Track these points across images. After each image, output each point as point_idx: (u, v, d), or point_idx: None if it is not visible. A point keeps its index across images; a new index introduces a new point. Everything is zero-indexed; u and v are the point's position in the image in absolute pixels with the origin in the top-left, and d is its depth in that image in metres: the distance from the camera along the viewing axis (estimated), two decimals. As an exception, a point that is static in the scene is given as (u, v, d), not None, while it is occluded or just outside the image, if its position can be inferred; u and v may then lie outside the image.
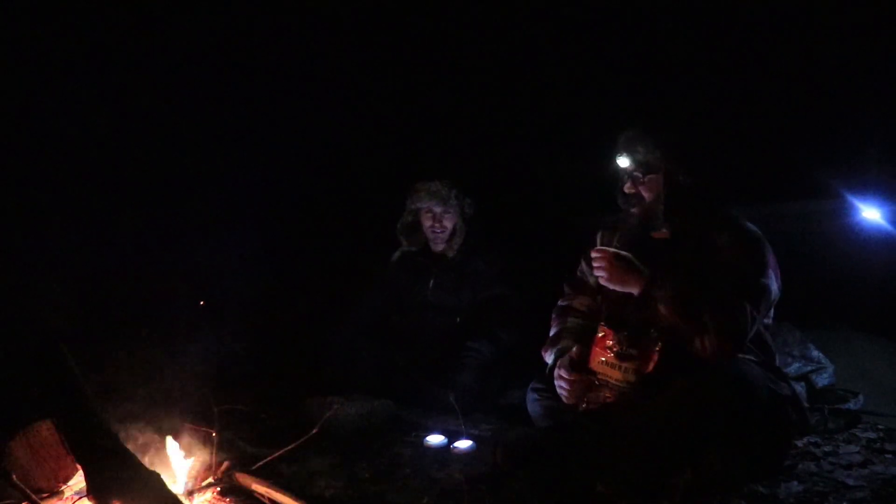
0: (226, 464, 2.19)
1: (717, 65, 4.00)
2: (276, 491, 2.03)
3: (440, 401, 2.98)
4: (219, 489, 2.12)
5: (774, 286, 2.30)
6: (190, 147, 4.09)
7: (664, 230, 2.44)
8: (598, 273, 2.40)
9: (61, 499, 2.02)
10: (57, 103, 3.72)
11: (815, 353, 3.14)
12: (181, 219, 4.01)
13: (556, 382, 2.41)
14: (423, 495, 2.18)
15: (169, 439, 2.16)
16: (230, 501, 2.09)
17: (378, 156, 4.43)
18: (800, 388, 2.96)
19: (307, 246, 4.29)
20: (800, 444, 2.55)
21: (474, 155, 4.29)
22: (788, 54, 3.89)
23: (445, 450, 2.58)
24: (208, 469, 2.16)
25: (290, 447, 2.31)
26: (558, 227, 4.16)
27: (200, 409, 2.39)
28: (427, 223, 3.35)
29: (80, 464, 1.94)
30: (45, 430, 2.04)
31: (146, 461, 2.03)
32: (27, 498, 1.93)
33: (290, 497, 2.00)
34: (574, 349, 2.44)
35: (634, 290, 2.32)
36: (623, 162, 2.43)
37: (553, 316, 2.69)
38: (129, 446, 1.99)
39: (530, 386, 2.60)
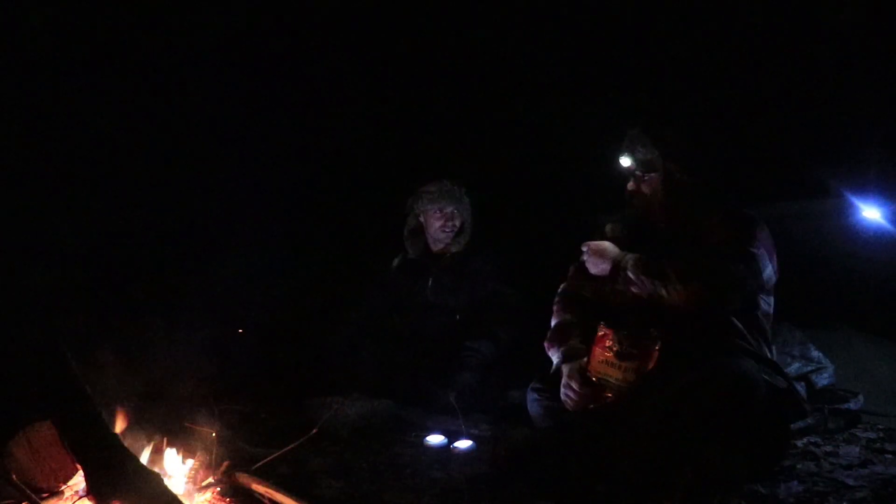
0: (226, 464, 2.19)
1: (717, 64, 4.00)
2: (276, 491, 2.03)
3: (440, 401, 2.98)
4: (219, 489, 2.12)
5: (765, 261, 2.35)
6: (190, 147, 4.09)
7: (664, 225, 2.51)
8: (588, 266, 2.51)
9: (61, 499, 2.02)
10: (56, 103, 3.72)
11: (815, 353, 3.14)
12: (181, 219, 4.01)
13: (562, 389, 2.40)
14: (423, 495, 2.18)
15: (169, 439, 2.16)
16: (230, 501, 2.09)
17: (377, 155, 4.43)
18: (800, 387, 2.95)
19: (307, 246, 4.28)
20: (800, 444, 2.55)
21: (474, 153, 4.29)
22: (788, 54, 3.89)
23: (445, 450, 2.58)
24: (208, 469, 2.16)
25: (290, 447, 2.31)
26: (558, 226, 4.16)
27: (200, 409, 2.39)
28: (437, 223, 3.36)
29: (80, 464, 1.94)
30: (45, 430, 2.03)
31: (146, 461, 2.03)
32: (27, 498, 1.93)
33: (290, 497, 2.00)
34: (586, 359, 2.43)
35: (607, 269, 2.43)
36: (625, 161, 2.51)
37: (556, 301, 2.67)
38: (129, 446, 1.99)
39: (530, 386, 2.60)
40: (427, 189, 3.34)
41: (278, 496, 2.02)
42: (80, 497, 1.97)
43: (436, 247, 3.43)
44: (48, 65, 3.73)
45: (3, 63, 3.48)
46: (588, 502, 2.10)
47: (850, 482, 2.23)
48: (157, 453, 2.13)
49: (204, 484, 2.11)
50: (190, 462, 2.14)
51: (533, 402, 2.55)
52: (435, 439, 2.63)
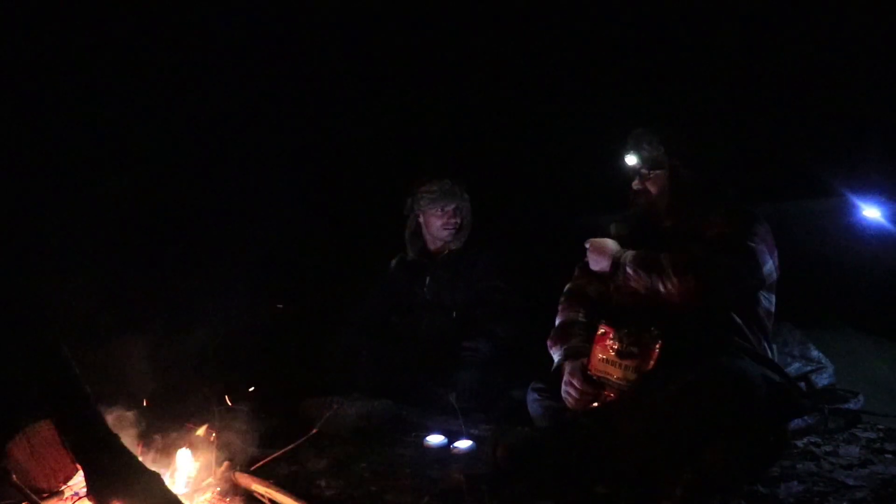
0: (226, 464, 2.19)
1: (720, 64, 4.00)
2: (276, 491, 2.03)
3: (440, 401, 2.98)
4: (219, 489, 2.12)
5: (765, 256, 2.36)
6: (190, 147, 4.08)
7: (668, 223, 2.53)
8: (588, 258, 2.55)
9: (61, 499, 2.02)
10: (55, 102, 3.72)
11: (815, 353, 3.14)
12: (181, 218, 4.01)
13: (563, 387, 2.41)
14: (423, 495, 2.18)
15: (170, 439, 2.16)
16: (230, 501, 2.09)
17: (377, 155, 4.43)
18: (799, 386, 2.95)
19: (307, 246, 4.28)
20: (800, 444, 2.55)
21: (473, 153, 4.29)
22: (789, 53, 3.89)
23: (445, 450, 2.58)
24: (208, 469, 2.16)
25: (290, 447, 2.31)
26: (557, 225, 4.16)
27: (200, 409, 2.39)
28: (438, 222, 3.37)
29: (80, 464, 1.94)
30: (45, 430, 2.04)
31: (146, 461, 2.03)
32: (27, 498, 1.93)
33: (290, 497, 2.00)
34: (587, 358, 2.44)
35: (607, 265, 2.46)
36: (630, 159, 2.53)
37: (561, 300, 2.68)
38: (129, 446, 1.99)
39: (530, 386, 2.60)
40: (428, 189, 3.34)
41: (278, 496, 2.02)
42: (80, 497, 1.97)
43: (434, 245, 3.44)
44: (49, 64, 3.73)
45: (4, 62, 3.48)
46: (588, 502, 2.10)
47: (850, 482, 2.23)
48: (157, 453, 2.13)
49: (204, 484, 2.12)
50: (190, 462, 2.14)
51: (533, 402, 2.55)
52: (435, 439, 2.63)
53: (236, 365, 3.43)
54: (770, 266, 2.38)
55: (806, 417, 2.60)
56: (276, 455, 2.29)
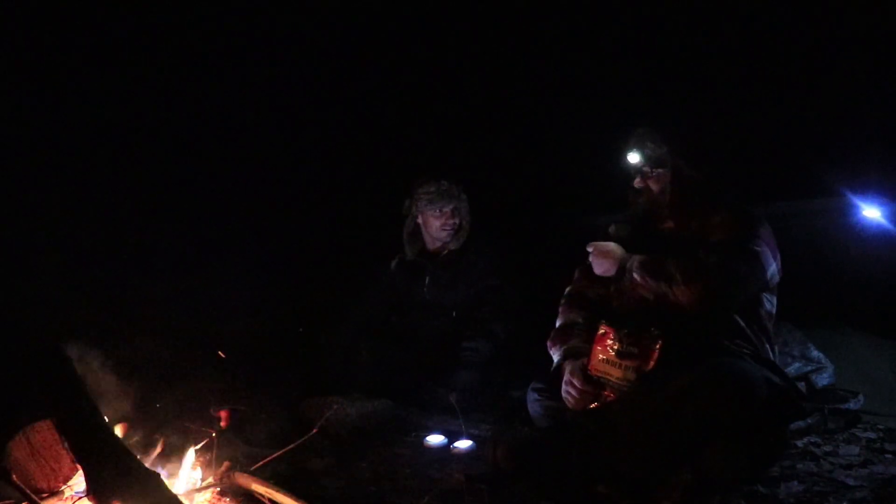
0: (226, 464, 2.19)
1: (722, 63, 4.00)
2: (276, 491, 2.03)
3: (440, 401, 2.98)
4: (219, 489, 2.12)
5: (769, 259, 2.36)
6: (190, 148, 4.09)
7: (670, 223, 2.53)
8: (594, 266, 2.53)
9: (61, 499, 2.02)
10: (54, 102, 3.72)
11: (815, 353, 3.14)
12: (181, 218, 4.01)
13: (563, 387, 2.41)
14: (423, 495, 2.18)
15: (169, 439, 2.16)
16: (230, 501, 2.09)
17: (376, 156, 4.43)
18: (799, 387, 2.95)
19: (306, 246, 4.28)
20: (800, 444, 2.55)
21: (473, 153, 4.29)
22: (791, 53, 3.89)
23: (445, 450, 2.58)
24: (208, 469, 2.16)
25: (290, 447, 2.31)
26: (557, 224, 4.16)
27: (200, 409, 2.39)
28: (437, 222, 3.37)
29: (80, 464, 1.94)
30: (45, 430, 2.03)
31: (146, 461, 2.03)
32: (27, 498, 1.93)
33: (290, 497, 2.00)
34: (587, 358, 2.43)
35: (612, 269, 2.45)
36: (633, 158, 2.53)
37: (562, 302, 2.68)
38: (129, 446, 1.99)
39: (530, 386, 2.60)
40: (425, 190, 3.34)
41: (278, 496, 2.02)
42: (80, 497, 1.97)
43: (433, 245, 3.44)
44: (48, 64, 3.73)
45: (4, 62, 3.48)
46: (588, 502, 2.10)
47: (850, 482, 2.23)
48: (157, 453, 2.13)
49: (204, 484, 2.12)
50: (190, 462, 2.14)
51: (533, 402, 2.55)
52: (435, 439, 2.63)
53: (236, 365, 3.43)
54: (774, 268, 2.38)
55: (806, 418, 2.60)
56: (276, 455, 2.29)
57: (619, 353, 2.29)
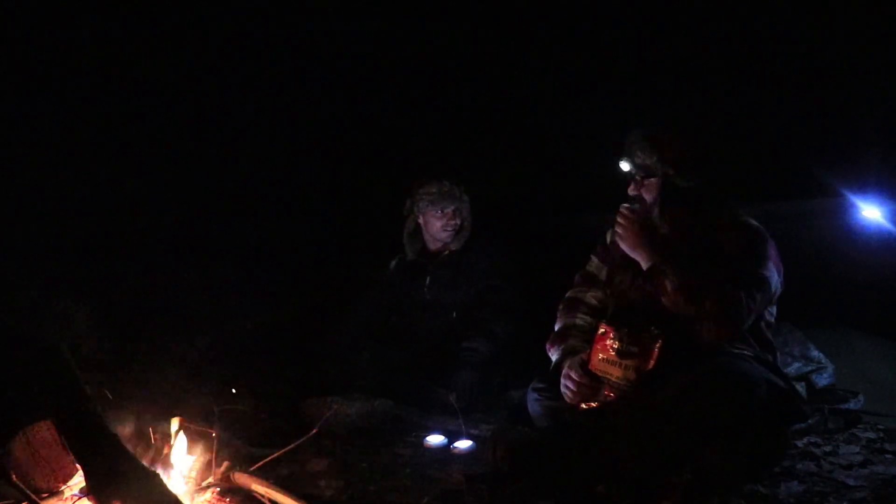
0: (226, 464, 2.19)
1: (720, 62, 4.00)
2: (276, 491, 2.03)
3: (440, 401, 2.98)
4: (219, 489, 2.12)
5: (775, 279, 2.33)
6: (190, 148, 4.09)
7: (665, 231, 2.46)
8: (617, 229, 2.42)
9: (61, 499, 2.02)
10: (56, 102, 3.72)
11: (815, 353, 3.14)
12: (181, 219, 4.01)
13: (562, 381, 2.41)
14: (423, 495, 2.18)
15: (169, 439, 2.16)
16: (230, 501, 2.09)
17: (376, 155, 4.43)
18: (800, 387, 2.95)
19: (306, 246, 4.29)
20: (800, 444, 2.55)
21: (473, 153, 4.29)
22: (789, 52, 3.89)
23: (445, 450, 2.57)
24: (208, 469, 2.16)
25: (290, 447, 2.31)
26: (557, 224, 4.16)
27: (200, 409, 2.39)
28: (438, 223, 3.36)
29: (80, 464, 1.94)
30: (45, 430, 2.04)
31: (146, 461, 2.03)
32: (27, 498, 1.93)
33: (290, 497, 2.00)
34: (587, 353, 2.42)
35: (643, 261, 2.36)
36: (624, 165, 2.48)
37: (560, 307, 2.67)
38: (128, 445, 1.99)
39: (530, 386, 2.60)
40: (427, 190, 3.34)
41: (278, 496, 2.02)
42: (80, 497, 1.97)
43: (434, 245, 3.43)
44: (48, 63, 3.73)
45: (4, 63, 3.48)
46: (588, 502, 2.10)
47: (850, 482, 2.23)
48: (158, 453, 2.13)
49: (204, 484, 2.11)
50: (190, 462, 2.14)
51: (533, 402, 2.56)
52: (435, 439, 2.63)
53: (236, 365, 3.44)
54: (777, 284, 2.35)
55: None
56: (276, 455, 2.29)
57: (619, 353, 2.29)
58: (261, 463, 2.25)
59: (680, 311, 2.26)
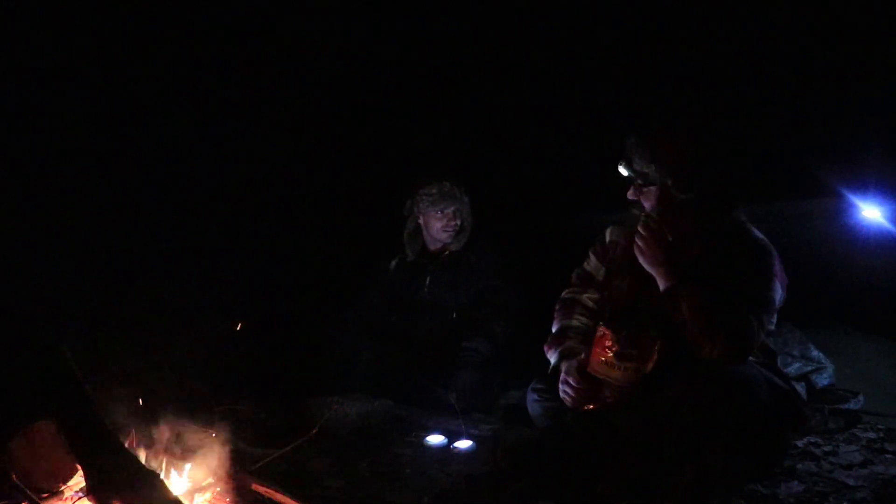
0: (226, 464, 2.19)
1: (718, 62, 4.00)
2: (276, 491, 2.03)
3: (440, 401, 2.98)
4: (219, 489, 2.12)
5: (779, 295, 2.31)
6: (190, 147, 4.08)
7: (669, 238, 2.40)
8: (638, 241, 2.36)
9: (61, 499, 2.02)
10: (52, 101, 3.72)
11: (815, 353, 3.15)
12: (181, 218, 4.01)
13: (560, 386, 2.41)
14: (423, 495, 2.18)
15: (169, 439, 2.16)
16: (230, 501, 2.09)
17: (377, 155, 4.43)
18: (800, 388, 2.96)
19: (306, 246, 4.28)
20: (800, 444, 2.55)
21: (473, 153, 4.29)
22: (789, 52, 3.89)
23: (445, 450, 2.58)
24: (208, 469, 2.16)
25: (290, 447, 2.31)
26: (556, 223, 4.16)
27: (200, 409, 2.39)
28: (438, 224, 3.36)
29: (80, 464, 1.94)
30: (45, 430, 2.03)
31: (146, 461, 2.03)
32: (27, 498, 1.93)
33: (290, 497, 2.00)
34: (583, 355, 2.42)
35: (661, 279, 2.31)
36: (622, 171, 2.43)
37: (557, 308, 2.66)
38: (129, 445, 1.99)
39: (530, 386, 2.60)
40: (427, 191, 3.34)
41: (278, 496, 2.02)
42: (80, 497, 1.97)
43: (434, 246, 3.44)
44: (47, 63, 3.73)
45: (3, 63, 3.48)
46: (588, 502, 2.10)
47: (850, 482, 2.23)
48: (158, 453, 2.13)
49: (204, 484, 2.11)
50: (190, 462, 2.14)
51: (533, 402, 2.56)
52: (435, 439, 2.63)
53: (236, 364, 3.43)
54: (781, 300, 2.33)
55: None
56: (276, 455, 2.29)
57: (617, 355, 2.28)
58: (261, 463, 2.25)
59: (691, 335, 2.22)
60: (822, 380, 3.09)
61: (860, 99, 3.70)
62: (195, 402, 2.67)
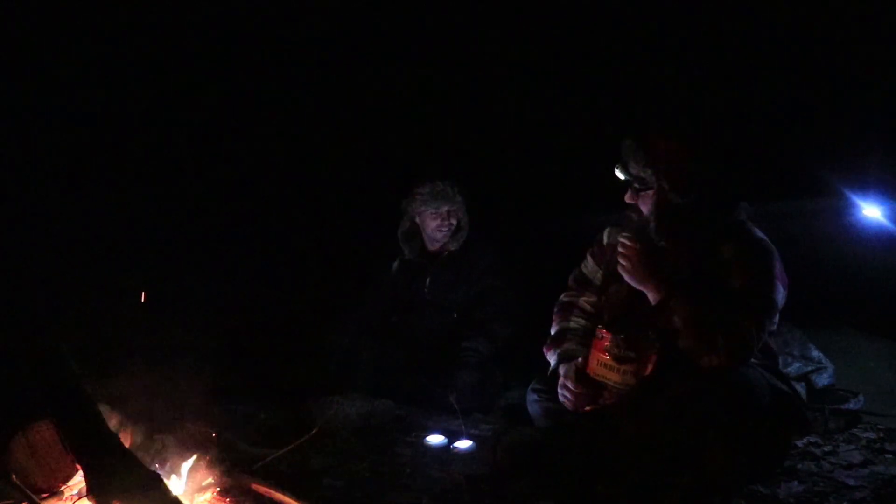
0: (226, 464, 2.19)
1: (718, 62, 4.00)
2: (276, 491, 2.03)
3: (440, 400, 2.98)
4: (219, 489, 2.12)
5: (781, 297, 2.29)
6: (190, 148, 4.09)
7: (662, 242, 2.38)
8: (621, 261, 2.34)
9: (61, 499, 2.02)
10: (51, 101, 3.72)
11: (815, 353, 3.15)
12: (181, 219, 4.01)
13: (559, 390, 2.41)
14: (423, 495, 2.18)
15: (169, 439, 2.16)
16: (230, 501, 2.09)
17: (376, 155, 4.43)
18: (800, 388, 2.96)
19: (306, 247, 4.29)
20: (800, 444, 2.55)
21: (472, 153, 4.29)
22: (788, 51, 3.89)
23: (445, 450, 2.58)
24: (208, 469, 2.16)
25: (290, 447, 2.31)
26: (556, 223, 4.16)
27: (200, 409, 2.39)
28: (434, 223, 3.36)
29: (80, 464, 1.94)
30: (45, 430, 2.04)
31: (146, 461, 2.03)
32: (27, 498, 1.93)
33: (290, 497, 2.00)
34: (580, 359, 2.41)
35: (651, 294, 2.29)
36: (619, 174, 2.40)
37: (555, 310, 2.66)
38: (129, 446, 1.99)
39: (530, 386, 2.60)
40: (420, 191, 3.34)
41: (278, 496, 2.02)
42: (80, 497, 1.97)
43: (433, 246, 3.44)
44: (47, 62, 3.73)
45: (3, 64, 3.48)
46: (588, 502, 2.10)
47: (850, 482, 2.23)
48: (158, 453, 2.13)
49: (204, 484, 2.12)
50: (190, 462, 2.14)
51: (533, 403, 2.56)
52: (435, 439, 2.63)
53: (236, 364, 3.43)
54: (782, 301, 2.31)
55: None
56: (276, 455, 2.29)
57: (616, 358, 2.28)
58: (261, 463, 2.25)
59: (688, 346, 2.20)
60: (822, 380, 3.09)
61: (860, 99, 3.70)
62: (195, 402, 2.67)
